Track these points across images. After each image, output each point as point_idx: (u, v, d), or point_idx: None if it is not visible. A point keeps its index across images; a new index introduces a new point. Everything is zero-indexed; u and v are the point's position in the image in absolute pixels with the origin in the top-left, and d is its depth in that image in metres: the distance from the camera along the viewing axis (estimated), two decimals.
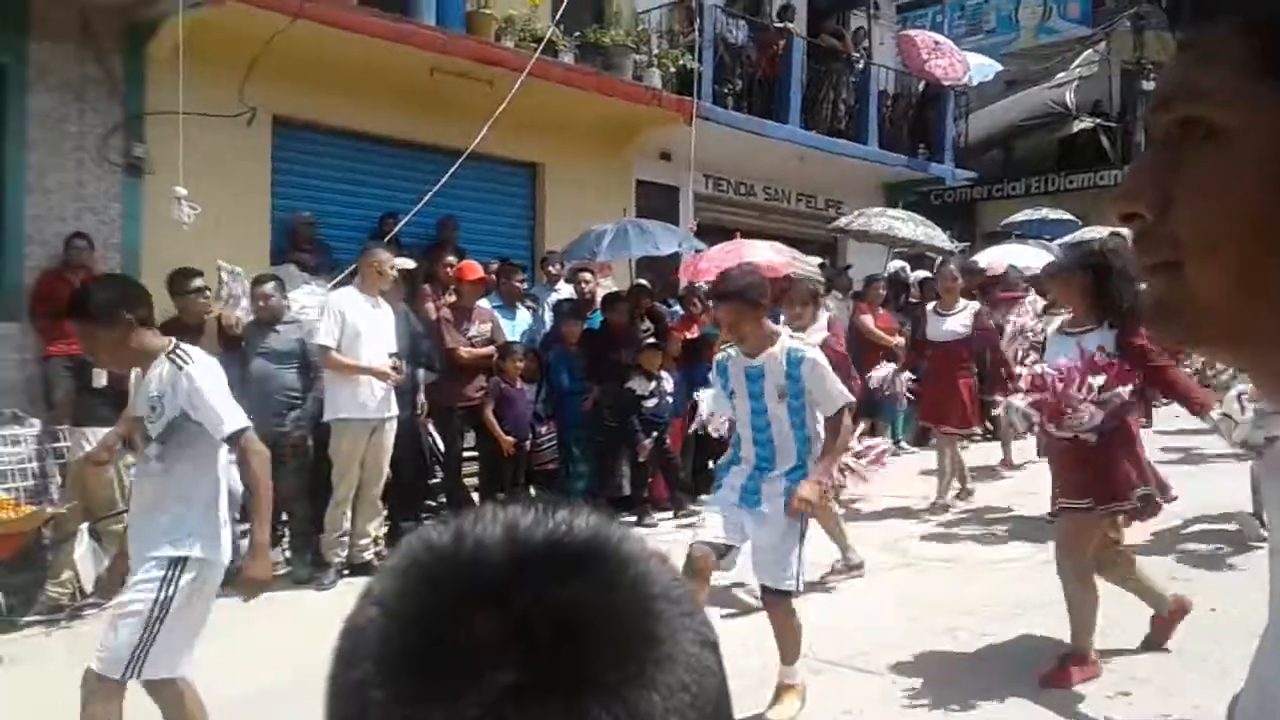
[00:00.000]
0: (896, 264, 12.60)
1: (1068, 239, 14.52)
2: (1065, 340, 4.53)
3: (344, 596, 4.84)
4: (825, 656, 4.68)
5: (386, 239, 8.31)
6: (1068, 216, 15.97)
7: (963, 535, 7.24)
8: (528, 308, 8.63)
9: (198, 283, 6.61)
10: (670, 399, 7.92)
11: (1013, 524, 7.41)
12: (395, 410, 6.59)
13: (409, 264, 7.58)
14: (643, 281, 9.50)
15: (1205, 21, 0.66)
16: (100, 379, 6.04)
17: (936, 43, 14.44)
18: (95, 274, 7.55)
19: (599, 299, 8.53)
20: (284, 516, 6.85)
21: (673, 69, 11.38)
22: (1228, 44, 0.64)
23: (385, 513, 6.87)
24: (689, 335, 8.62)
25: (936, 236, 12.13)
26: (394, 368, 6.48)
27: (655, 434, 7.88)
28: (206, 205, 7.47)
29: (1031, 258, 13.21)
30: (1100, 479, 4.30)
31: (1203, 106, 0.64)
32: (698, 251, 10.13)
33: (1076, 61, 18.57)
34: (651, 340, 8.23)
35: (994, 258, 13.44)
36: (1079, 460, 4.32)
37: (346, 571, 6.48)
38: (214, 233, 7.64)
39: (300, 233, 9.07)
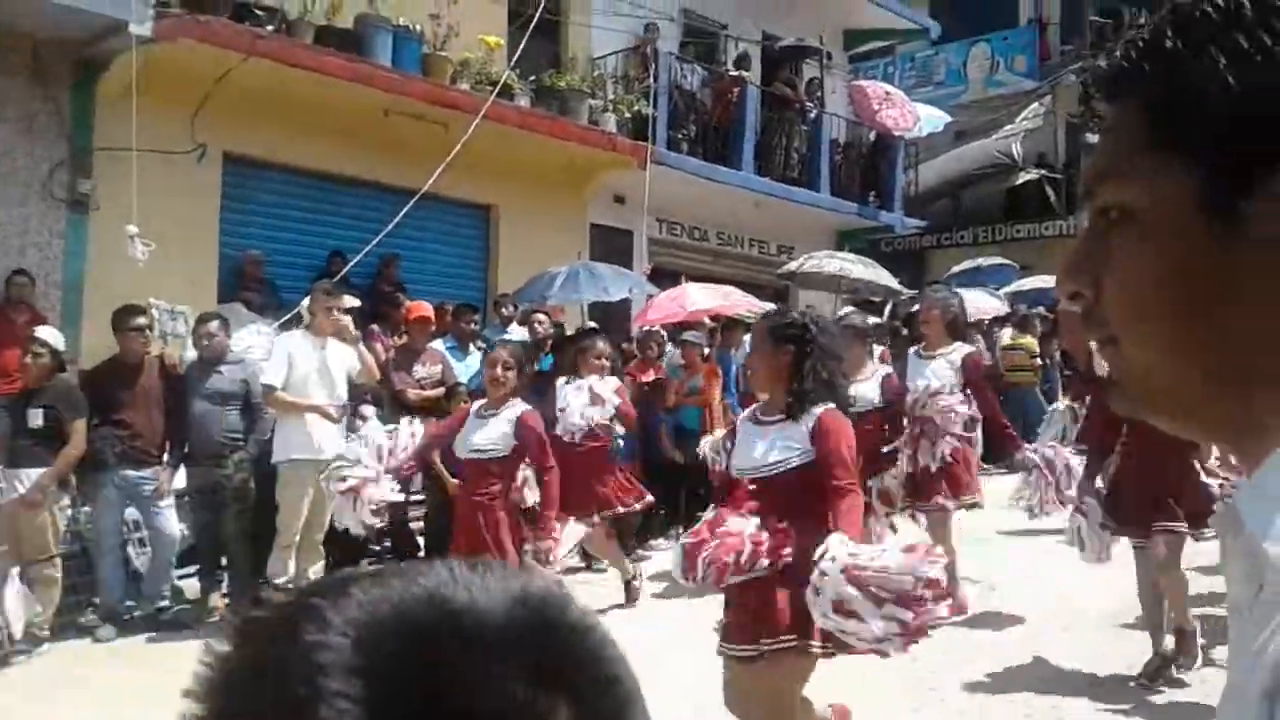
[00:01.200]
0: (847, 309, 12.72)
1: (1011, 287, 14.81)
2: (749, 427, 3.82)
3: None
4: None
5: (336, 278, 8.25)
6: (1006, 262, 16.27)
7: None
8: (479, 349, 8.60)
9: (139, 320, 6.49)
10: (622, 442, 7.89)
11: None
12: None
13: (355, 302, 7.52)
14: (593, 325, 9.50)
15: (1112, 103, 0.69)
16: (36, 419, 5.90)
17: (888, 93, 14.71)
18: (38, 312, 7.44)
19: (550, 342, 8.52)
20: (223, 561, 6.72)
21: (628, 114, 11.47)
22: (1126, 124, 0.67)
23: (325, 557, 6.75)
24: (644, 379, 8.62)
25: (885, 278, 12.30)
26: (336, 408, 6.40)
27: None
28: (154, 242, 7.37)
29: (980, 303, 13.45)
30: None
31: (1113, 190, 0.67)
32: (649, 297, 10.17)
33: (1023, 114, 19.00)
34: None
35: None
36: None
37: None
38: (161, 270, 7.53)
39: (248, 271, 8.98)
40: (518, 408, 5.30)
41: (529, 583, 0.54)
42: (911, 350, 6.52)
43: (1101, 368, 5.26)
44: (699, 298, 9.56)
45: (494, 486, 5.22)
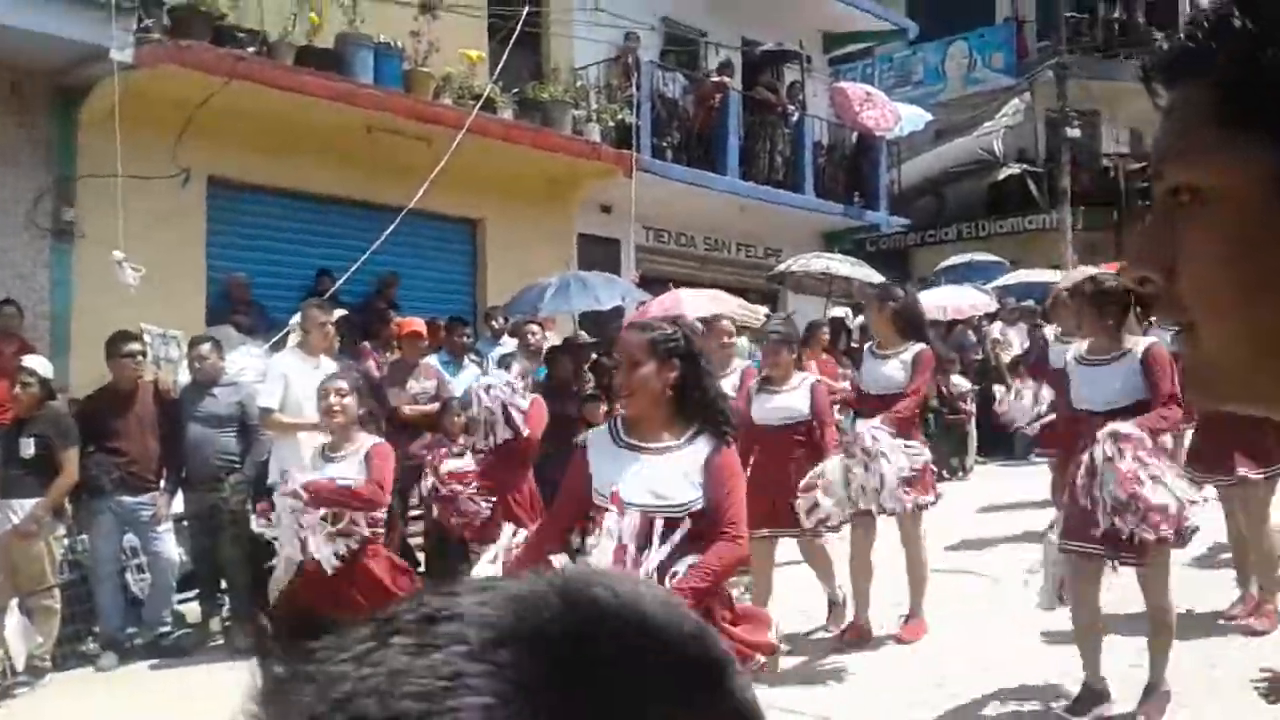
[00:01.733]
0: (837, 310, 12.76)
1: (1000, 281, 14.87)
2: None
3: None
4: None
5: (325, 297, 8.23)
6: (995, 258, 16.33)
7: None
8: (473, 362, 8.58)
9: (132, 346, 6.46)
10: None
11: None
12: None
13: (340, 312, 7.49)
14: (583, 334, 9.51)
15: (1174, 85, 0.68)
16: (27, 449, 5.87)
17: (868, 94, 14.76)
18: (26, 342, 7.39)
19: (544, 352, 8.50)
20: (222, 585, 6.68)
21: (611, 123, 11.48)
22: (1195, 105, 0.65)
23: None
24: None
25: (873, 276, 12.35)
26: None
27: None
28: (141, 267, 7.34)
29: (968, 299, 13.51)
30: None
31: (1184, 171, 0.66)
32: (641, 304, 10.17)
33: (1002, 111, 19.09)
34: (591, 392, 8.21)
35: (928, 302, 13.70)
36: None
37: None
38: (148, 296, 7.50)
39: (236, 294, 8.96)
40: (366, 442, 4.80)
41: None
42: (866, 348, 6.29)
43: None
44: (694, 303, 9.55)
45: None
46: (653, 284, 11.71)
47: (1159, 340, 4.58)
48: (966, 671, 4.95)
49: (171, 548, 6.38)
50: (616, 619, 0.48)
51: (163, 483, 6.39)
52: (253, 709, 0.48)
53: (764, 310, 11.48)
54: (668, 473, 3.05)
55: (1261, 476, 5.22)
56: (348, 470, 4.67)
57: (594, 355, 9.20)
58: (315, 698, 0.45)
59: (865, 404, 5.94)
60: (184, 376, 6.85)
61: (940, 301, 12.70)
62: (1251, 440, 5.17)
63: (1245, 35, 0.63)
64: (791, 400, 5.68)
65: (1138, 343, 4.50)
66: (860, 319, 12.64)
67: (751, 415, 5.59)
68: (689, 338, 3.16)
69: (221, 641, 6.34)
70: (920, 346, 5.82)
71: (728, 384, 6.26)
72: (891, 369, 5.77)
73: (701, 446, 3.08)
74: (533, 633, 0.46)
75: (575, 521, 3.56)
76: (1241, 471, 5.17)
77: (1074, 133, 18.63)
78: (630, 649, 0.47)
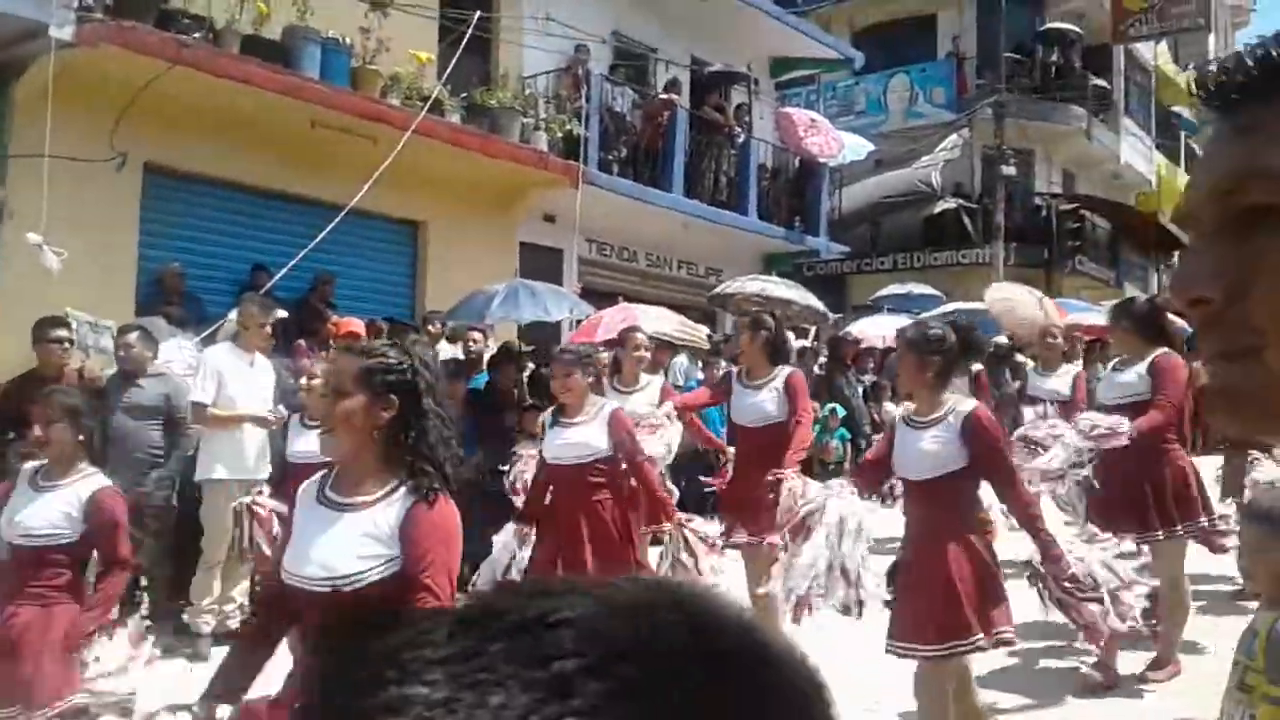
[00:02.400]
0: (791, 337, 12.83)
1: (935, 312, 15.11)
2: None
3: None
4: None
5: (261, 292, 8.05)
6: (933, 291, 16.60)
7: None
8: None
9: (59, 333, 6.24)
10: None
11: None
12: (270, 471, 6.32)
13: (282, 313, 7.32)
14: (511, 342, 9.41)
15: (1265, 103, 0.66)
16: None
17: (813, 120, 14.97)
18: None
19: (485, 360, 8.42)
20: (143, 582, 6.47)
21: (559, 134, 11.46)
22: (1276, 123, 0.64)
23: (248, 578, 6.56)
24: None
25: (810, 299, 12.46)
26: (274, 414, 6.23)
27: None
28: (70, 253, 7.11)
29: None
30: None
31: (1263, 190, 0.64)
32: (578, 321, 10.14)
33: (941, 145, 19.48)
34: (531, 402, 8.14)
35: (865, 328, 13.91)
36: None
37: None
38: (78, 281, 7.28)
39: (169, 284, 8.73)
40: (92, 480, 3.80)
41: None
42: (734, 378, 5.76)
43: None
44: (645, 317, 9.49)
45: (56, 581, 3.70)
46: (594, 296, 11.69)
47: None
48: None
49: None
50: (742, 644, 0.45)
51: None
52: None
53: (705, 330, 11.52)
54: (344, 538, 2.45)
55: (1164, 538, 5.13)
56: (53, 511, 3.71)
57: (532, 365, 9.13)
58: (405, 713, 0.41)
59: (742, 440, 5.60)
60: (113, 369, 6.66)
61: (880, 330, 12.86)
62: (1152, 500, 5.12)
63: None
64: (586, 434, 4.88)
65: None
66: (798, 342, 12.77)
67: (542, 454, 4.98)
68: (417, 369, 2.52)
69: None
70: (789, 370, 5.56)
71: (643, 398, 6.08)
72: (764, 398, 5.44)
73: (397, 503, 2.46)
74: (658, 650, 0.43)
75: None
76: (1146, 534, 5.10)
77: (1009, 170, 19.10)
78: (757, 680, 0.44)
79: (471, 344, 8.27)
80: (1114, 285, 22.12)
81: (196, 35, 8.29)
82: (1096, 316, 11.84)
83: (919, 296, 15.97)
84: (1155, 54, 25.31)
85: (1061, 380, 7.16)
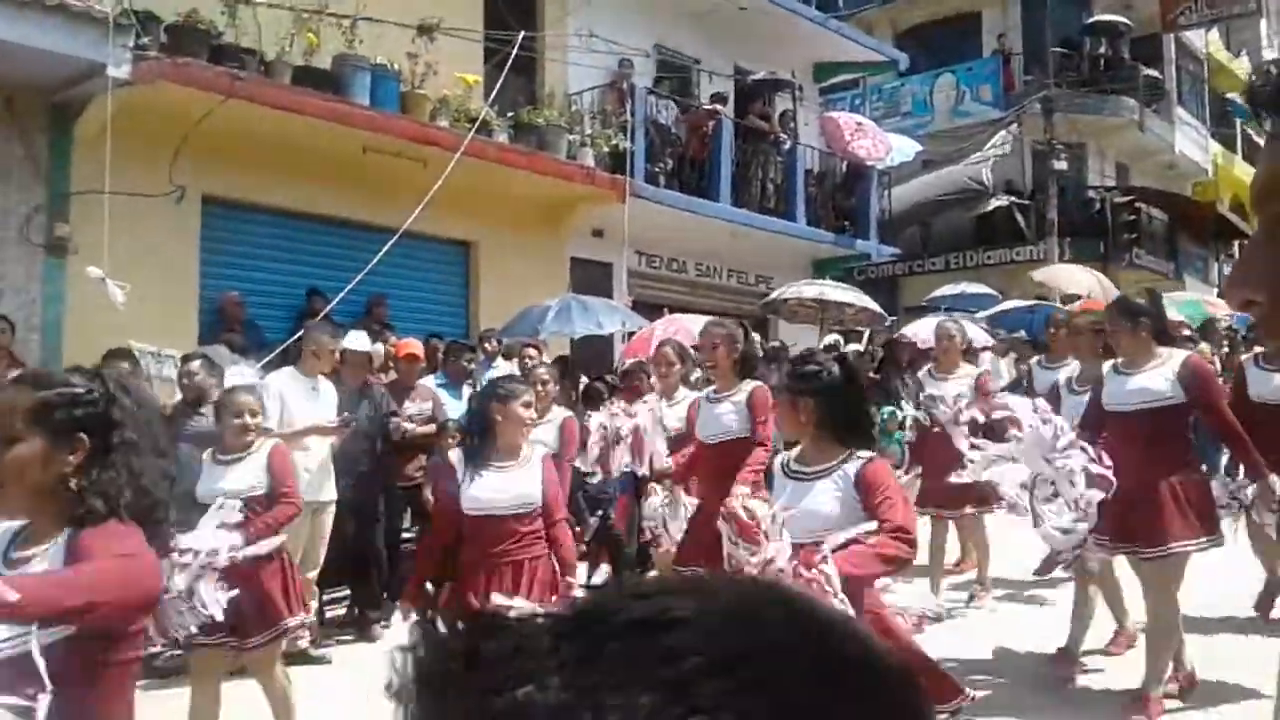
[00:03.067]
0: (831, 337, 12.78)
1: (991, 311, 14.93)
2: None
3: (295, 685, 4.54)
4: None
5: (319, 317, 8.18)
6: (988, 290, 16.41)
7: None
8: (470, 386, 8.54)
9: (124, 365, 6.37)
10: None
11: None
12: (334, 494, 6.42)
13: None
14: (564, 356, 9.45)
15: None
16: None
17: (859, 124, 14.88)
18: (16, 357, 7.31)
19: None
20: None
21: (605, 149, 11.51)
22: None
23: (317, 600, 6.65)
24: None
25: (866, 301, 12.40)
26: (342, 422, 6.30)
27: (600, 512, 7.79)
28: (133, 285, 7.28)
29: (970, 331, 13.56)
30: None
31: None
32: (630, 333, 10.16)
33: (990, 142, 19.26)
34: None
35: (919, 330, 13.76)
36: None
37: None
38: (140, 313, 7.44)
39: (229, 312, 8.90)
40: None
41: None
42: (704, 396, 5.40)
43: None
44: (692, 328, 9.49)
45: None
46: (644, 309, 11.72)
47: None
48: None
49: (167, 567, 6.27)
50: (847, 646, 0.46)
51: None
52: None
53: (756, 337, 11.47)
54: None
55: (1158, 555, 4.60)
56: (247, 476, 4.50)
57: (584, 378, 9.17)
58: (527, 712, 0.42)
59: (703, 462, 5.20)
60: (178, 397, 6.78)
61: (929, 331, 12.71)
62: (1156, 514, 4.55)
63: None
64: (519, 482, 4.18)
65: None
66: (852, 346, 12.69)
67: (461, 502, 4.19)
68: (115, 396, 2.00)
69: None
70: (754, 384, 5.14)
71: (674, 415, 5.83)
72: (724, 411, 5.08)
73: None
74: (773, 648, 0.43)
75: None
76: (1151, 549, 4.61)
77: (1060, 165, 18.84)
78: (864, 680, 0.45)
79: (527, 360, 8.31)
80: (1173, 277, 21.69)
81: (249, 68, 8.46)
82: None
83: (973, 296, 15.79)
84: (1206, 41, 24.82)
85: (960, 383, 6.75)
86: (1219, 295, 17.09)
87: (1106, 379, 4.85)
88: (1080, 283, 14.97)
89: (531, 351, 8.22)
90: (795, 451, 3.51)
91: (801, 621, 0.46)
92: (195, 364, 6.58)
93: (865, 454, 3.34)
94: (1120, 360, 4.85)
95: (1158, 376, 4.66)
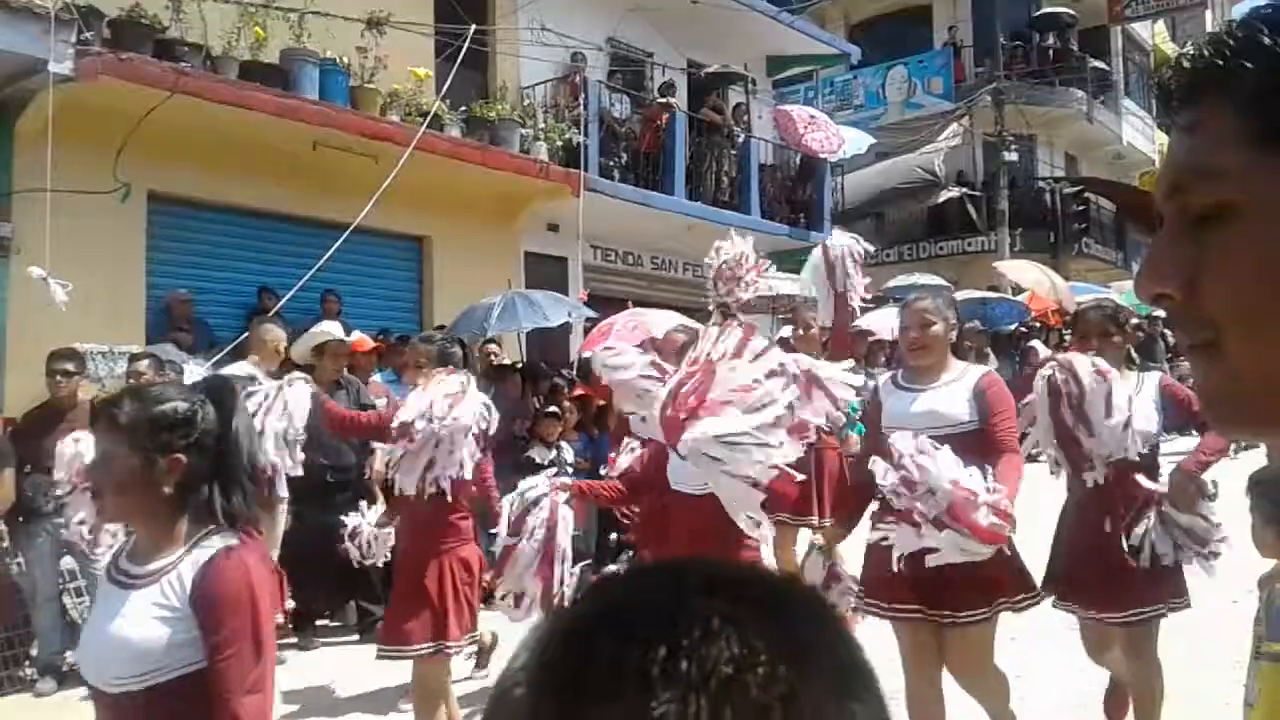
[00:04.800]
0: (786, 330, 12.85)
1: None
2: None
3: None
4: None
5: (270, 315, 8.09)
6: (941, 281, 16.57)
7: None
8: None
9: (69, 365, 6.29)
10: (570, 467, 7.88)
11: None
12: (286, 493, 6.35)
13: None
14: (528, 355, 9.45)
15: (1201, 104, 0.67)
16: None
17: (812, 116, 14.96)
18: None
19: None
20: None
21: (559, 142, 11.49)
22: (1225, 122, 0.65)
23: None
24: (600, 401, 8.56)
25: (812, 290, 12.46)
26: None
27: None
28: (78, 285, 7.16)
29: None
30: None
31: (1221, 188, 0.65)
32: (589, 320, 10.15)
33: (942, 135, 19.45)
34: (551, 409, 8.19)
35: (874, 321, 13.89)
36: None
37: None
38: (87, 313, 7.33)
39: (177, 311, 8.79)
40: None
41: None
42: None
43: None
44: (662, 321, 9.50)
45: None
46: (600, 302, 11.72)
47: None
48: None
49: None
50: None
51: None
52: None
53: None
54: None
55: (1124, 622, 3.94)
56: None
57: (552, 379, 9.18)
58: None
59: (675, 514, 4.05)
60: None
61: (889, 322, 12.84)
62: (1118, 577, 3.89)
63: (1275, 54, 0.63)
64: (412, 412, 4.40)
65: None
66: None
67: None
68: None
69: None
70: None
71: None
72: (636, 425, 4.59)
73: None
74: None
75: None
76: (1106, 614, 3.97)
77: (1011, 157, 19.07)
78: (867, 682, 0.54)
79: (492, 357, 8.28)
80: (1120, 266, 22.06)
81: (194, 63, 8.35)
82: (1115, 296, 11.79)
83: (925, 287, 15.92)
84: (1153, 33, 25.22)
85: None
86: None
87: (885, 392, 3.97)
88: (1030, 279, 15.21)
89: (494, 349, 8.20)
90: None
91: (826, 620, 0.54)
92: (143, 363, 6.50)
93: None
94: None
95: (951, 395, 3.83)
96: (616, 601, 0.52)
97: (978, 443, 3.64)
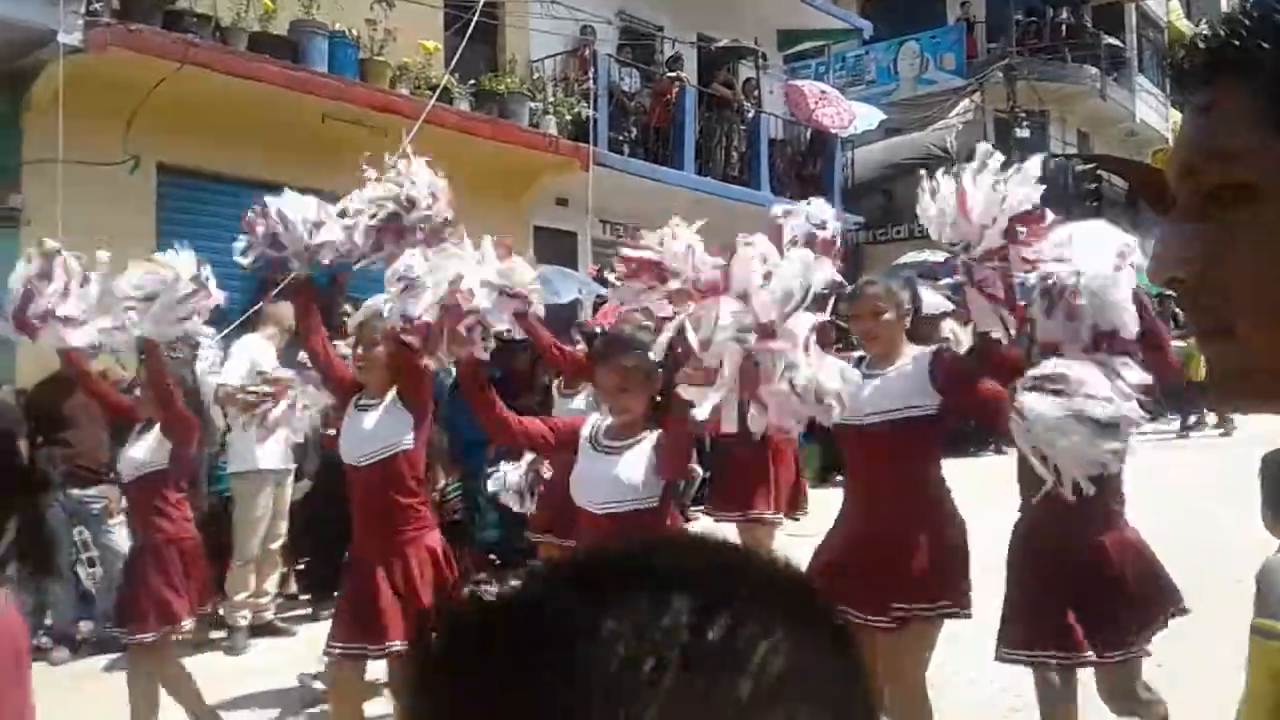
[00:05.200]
0: None
1: (947, 280, 15.03)
2: None
3: (260, 658, 4.59)
4: None
5: (277, 290, 8.09)
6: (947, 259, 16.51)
7: None
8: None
9: None
10: None
11: None
12: (294, 463, 6.40)
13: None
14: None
15: (1216, 84, 0.66)
16: None
17: (823, 92, 14.89)
18: None
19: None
20: None
21: (568, 116, 11.44)
22: (1241, 103, 0.64)
23: (281, 569, 6.64)
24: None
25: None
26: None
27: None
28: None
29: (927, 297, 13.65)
30: None
31: (1237, 170, 0.65)
32: (599, 296, 10.14)
33: (954, 111, 19.32)
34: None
35: None
36: None
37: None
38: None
39: None
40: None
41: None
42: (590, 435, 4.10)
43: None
44: None
45: None
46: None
47: None
48: None
49: (123, 541, 6.23)
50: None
51: (113, 475, 6.24)
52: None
53: None
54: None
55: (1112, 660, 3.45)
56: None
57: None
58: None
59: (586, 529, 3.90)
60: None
61: None
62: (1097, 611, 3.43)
63: None
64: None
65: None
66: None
67: None
68: None
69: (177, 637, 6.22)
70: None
71: None
72: (628, 464, 3.91)
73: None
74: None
75: None
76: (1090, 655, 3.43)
77: (1023, 133, 18.94)
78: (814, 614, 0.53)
79: (505, 331, 8.26)
80: None
81: (203, 34, 8.32)
82: None
83: (937, 264, 15.87)
84: (1168, 9, 24.99)
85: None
86: None
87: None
88: None
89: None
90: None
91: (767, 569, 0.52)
92: None
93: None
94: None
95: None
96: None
97: (930, 430, 3.58)
